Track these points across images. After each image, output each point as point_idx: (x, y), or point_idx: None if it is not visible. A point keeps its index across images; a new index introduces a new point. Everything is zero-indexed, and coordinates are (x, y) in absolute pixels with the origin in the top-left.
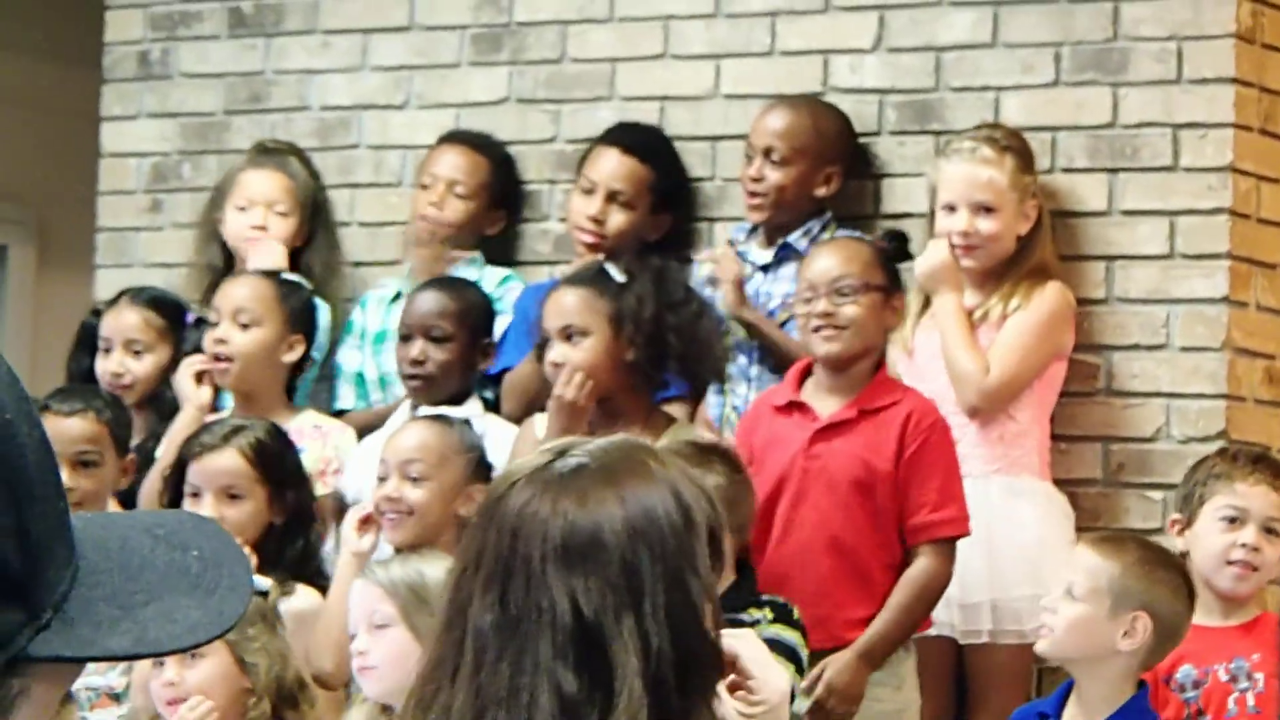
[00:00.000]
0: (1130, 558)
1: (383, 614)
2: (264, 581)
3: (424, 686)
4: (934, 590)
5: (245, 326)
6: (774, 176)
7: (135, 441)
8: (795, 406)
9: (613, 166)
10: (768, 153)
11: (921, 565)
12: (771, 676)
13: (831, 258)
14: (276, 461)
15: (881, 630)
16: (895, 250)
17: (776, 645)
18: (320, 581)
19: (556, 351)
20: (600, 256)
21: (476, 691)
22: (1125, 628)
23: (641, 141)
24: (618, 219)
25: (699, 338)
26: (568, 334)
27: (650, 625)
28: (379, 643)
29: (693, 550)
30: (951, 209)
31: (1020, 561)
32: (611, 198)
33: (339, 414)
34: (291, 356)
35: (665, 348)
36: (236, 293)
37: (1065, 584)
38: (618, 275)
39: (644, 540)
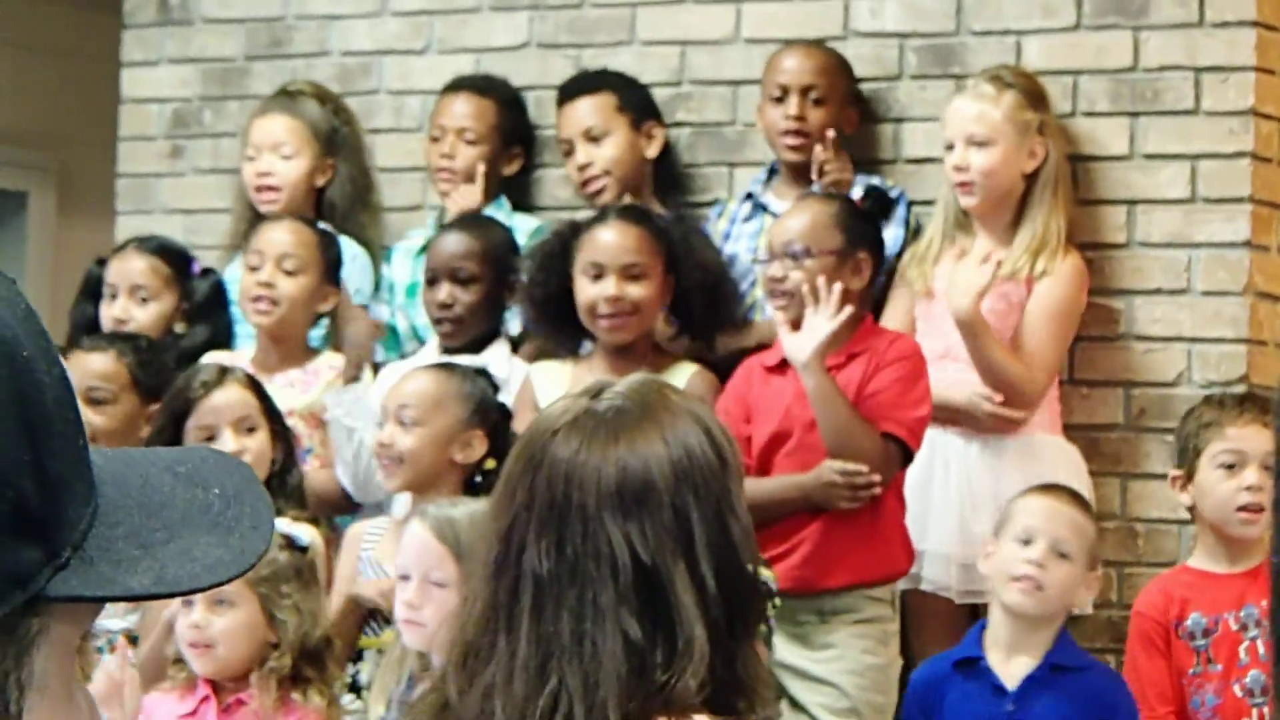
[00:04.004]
0: (1092, 517)
1: (442, 574)
2: (303, 536)
3: (479, 636)
4: (871, 447)
5: (290, 273)
6: (815, 116)
7: None
8: (787, 365)
9: (583, 110)
10: (806, 91)
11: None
12: None
13: (788, 220)
14: (268, 398)
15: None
16: (875, 208)
17: None
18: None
19: (613, 286)
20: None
21: (540, 639)
22: (1088, 584)
23: (590, 81)
24: (605, 154)
25: (727, 292)
26: (632, 273)
27: (702, 568)
28: (433, 600)
29: (729, 490)
30: (951, 147)
31: None
32: (591, 139)
33: (373, 368)
34: (325, 307)
35: (713, 297)
36: (280, 238)
37: (1048, 539)
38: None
39: (688, 482)
